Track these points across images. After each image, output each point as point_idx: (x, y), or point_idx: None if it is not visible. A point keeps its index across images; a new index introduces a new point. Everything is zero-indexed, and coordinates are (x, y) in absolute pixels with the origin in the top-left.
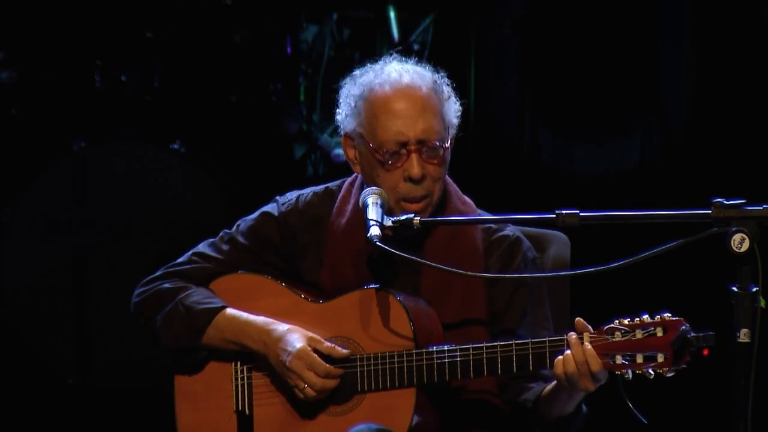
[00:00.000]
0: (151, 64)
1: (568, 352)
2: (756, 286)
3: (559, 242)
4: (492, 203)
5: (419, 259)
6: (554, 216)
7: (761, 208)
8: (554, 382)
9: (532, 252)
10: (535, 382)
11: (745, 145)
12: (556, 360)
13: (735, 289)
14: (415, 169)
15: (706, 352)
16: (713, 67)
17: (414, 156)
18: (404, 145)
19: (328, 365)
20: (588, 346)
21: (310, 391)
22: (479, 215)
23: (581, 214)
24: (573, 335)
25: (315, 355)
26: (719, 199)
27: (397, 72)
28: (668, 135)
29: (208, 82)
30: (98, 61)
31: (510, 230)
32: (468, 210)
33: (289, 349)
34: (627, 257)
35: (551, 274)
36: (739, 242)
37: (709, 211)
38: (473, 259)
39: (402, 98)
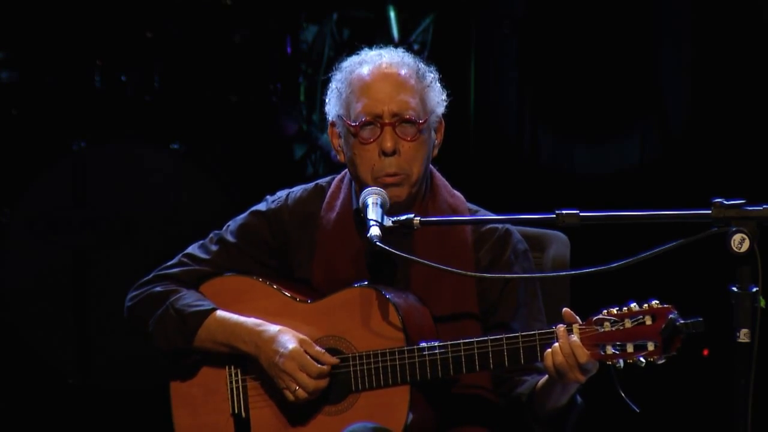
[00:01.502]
0: (151, 64)
1: (557, 344)
2: (756, 286)
3: (559, 242)
4: (492, 203)
5: (419, 259)
6: (554, 216)
7: (761, 208)
8: (547, 375)
9: (522, 244)
10: (529, 375)
11: (745, 145)
12: (545, 353)
13: (735, 289)
14: (388, 142)
15: (706, 352)
16: (713, 68)
17: (387, 129)
18: (379, 117)
19: (320, 366)
20: (574, 337)
21: (302, 393)
22: (469, 209)
23: (581, 214)
24: (561, 327)
25: (308, 356)
26: (719, 199)
27: (378, 54)
28: (668, 135)
29: (208, 82)
30: (98, 61)
31: (500, 223)
32: (457, 203)
33: (282, 350)
34: (627, 257)
35: (550, 274)
36: (739, 242)
37: (709, 211)
38: (463, 252)
39: (379, 76)
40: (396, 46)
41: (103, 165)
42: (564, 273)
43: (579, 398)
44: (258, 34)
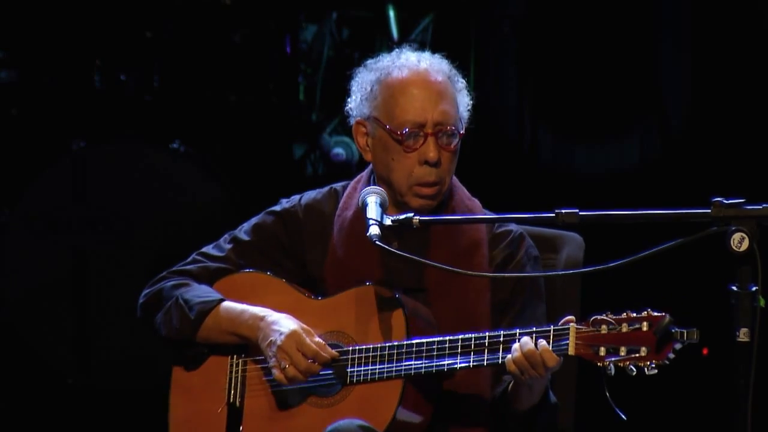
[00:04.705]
0: (151, 64)
1: (516, 344)
2: (756, 286)
3: (574, 243)
4: (492, 203)
5: (419, 258)
6: (554, 215)
7: (761, 207)
8: None
9: (534, 250)
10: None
11: (745, 145)
12: (506, 358)
13: (735, 288)
14: (432, 152)
15: (705, 351)
16: (713, 68)
17: (431, 139)
18: (422, 127)
19: (317, 349)
20: (543, 342)
21: (292, 371)
22: (484, 213)
23: (581, 213)
24: (526, 338)
25: (306, 338)
26: (719, 199)
27: (415, 57)
28: (668, 135)
29: (207, 82)
30: (98, 61)
31: (513, 226)
32: (474, 206)
33: (283, 330)
34: (627, 257)
35: (549, 273)
36: (739, 241)
37: (709, 211)
38: (477, 249)
39: (420, 82)
40: (396, 45)
41: (103, 165)
42: (562, 272)
43: (553, 397)
44: (257, 34)
